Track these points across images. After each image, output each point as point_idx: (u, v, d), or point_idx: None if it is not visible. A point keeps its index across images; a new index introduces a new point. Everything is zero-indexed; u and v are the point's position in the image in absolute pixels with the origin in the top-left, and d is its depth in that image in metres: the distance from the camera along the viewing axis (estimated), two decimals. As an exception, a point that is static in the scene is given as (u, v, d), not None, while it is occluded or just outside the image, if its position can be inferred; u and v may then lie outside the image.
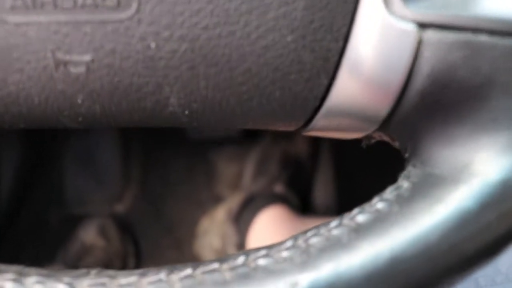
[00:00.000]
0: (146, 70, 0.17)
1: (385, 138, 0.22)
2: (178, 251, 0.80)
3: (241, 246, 0.65)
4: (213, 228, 0.74)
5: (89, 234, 0.71)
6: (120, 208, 0.85)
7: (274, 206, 0.65)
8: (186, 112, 0.19)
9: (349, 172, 0.79)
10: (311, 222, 0.58)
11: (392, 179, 0.20)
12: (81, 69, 0.17)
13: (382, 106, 0.19)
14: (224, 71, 0.18)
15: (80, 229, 0.73)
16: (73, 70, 0.17)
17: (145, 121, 0.20)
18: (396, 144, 0.21)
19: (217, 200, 0.84)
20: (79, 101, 0.18)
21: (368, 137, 0.23)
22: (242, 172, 0.83)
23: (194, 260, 0.79)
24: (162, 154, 0.89)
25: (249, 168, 0.78)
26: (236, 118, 0.20)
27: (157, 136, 0.90)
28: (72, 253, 0.67)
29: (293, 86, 0.19)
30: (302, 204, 0.72)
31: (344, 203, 0.79)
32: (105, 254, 0.68)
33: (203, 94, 0.18)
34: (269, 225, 0.62)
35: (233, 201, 0.72)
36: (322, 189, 0.84)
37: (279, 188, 0.70)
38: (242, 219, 0.68)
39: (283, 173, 0.72)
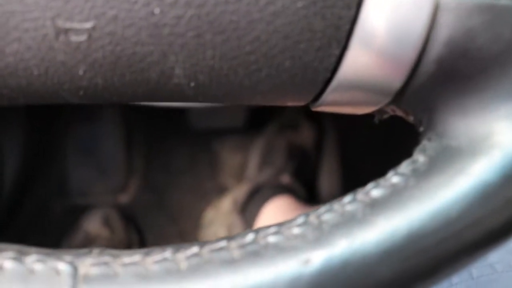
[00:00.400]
0: (150, 38, 0.16)
1: (399, 112, 0.21)
2: (183, 242, 0.80)
3: None
4: (218, 218, 0.73)
5: (93, 225, 0.70)
6: (123, 198, 0.84)
7: (280, 196, 0.64)
8: (192, 84, 0.18)
9: (354, 161, 0.78)
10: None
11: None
12: (82, 38, 0.16)
13: (396, 77, 0.18)
14: (232, 39, 0.17)
15: (84, 219, 0.73)
16: (74, 38, 0.16)
17: (148, 95, 0.19)
18: (410, 118, 0.20)
19: (221, 190, 0.84)
20: (81, 72, 0.17)
21: (380, 111, 0.22)
22: (246, 162, 0.82)
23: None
24: (165, 144, 0.88)
25: (254, 159, 0.78)
26: (244, 92, 0.19)
27: (160, 126, 0.90)
28: (76, 244, 0.67)
29: (303, 56, 0.18)
30: (308, 194, 0.72)
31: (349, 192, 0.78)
32: (110, 245, 0.68)
33: (210, 64, 0.17)
34: (276, 216, 0.61)
35: (238, 192, 0.72)
36: (327, 179, 0.83)
37: (285, 178, 0.69)
38: (248, 210, 0.67)
39: (289, 163, 0.71)
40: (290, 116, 0.80)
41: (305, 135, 0.78)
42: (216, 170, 0.86)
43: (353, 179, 0.77)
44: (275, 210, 0.62)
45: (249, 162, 0.79)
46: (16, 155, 0.71)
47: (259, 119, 0.83)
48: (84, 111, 0.87)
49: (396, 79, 0.18)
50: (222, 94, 0.19)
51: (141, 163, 0.88)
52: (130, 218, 0.79)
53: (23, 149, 0.72)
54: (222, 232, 0.73)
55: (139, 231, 0.78)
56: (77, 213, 0.81)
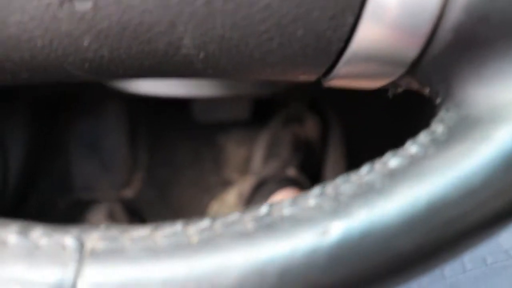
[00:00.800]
0: (157, 6, 0.16)
1: (413, 85, 0.20)
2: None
3: None
4: (224, 212, 0.73)
5: (98, 220, 0.70)
6: (128, 193, 0.84)
7: (286, 189, 0.64)
8: (201, 56, 0.18)
9: (359, 154, 0.78)
10: None
11: None
12: (87, 6, 0.16)
13: (411, 46, 0.18)
14: (242, 6, 0.16)
15: (88, 214, 0.72)
16: (78, 7, 0.16)
17: (156, 69, 0.18)
18: (426, 90, 0.20)
19: (225, 184, 0.83)
20: (86, 43, 0.17)
21: (394, 84, 0.21)
22: (251, 156, 0.81)
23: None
24: (169, 138, 0.88)
25: (259, 152, 0.77)
26: (254, 64, 0.18)
27: (164, 120, 0.89)
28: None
29: (316, 25, 0.17)
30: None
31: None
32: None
33: (220, 33, 0.17)
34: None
35: (244, 185, 0.71)
36: (332, 172, 0.82)
37: (291, 171, 0.68)
38: (254, 203, 0.67)
39: (294, 156, 0.70)
40: (294, 109, 0.80)
41: (310, 128, 0.77)
42: (221, 164, 0.85)
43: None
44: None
45: (254, 155, 0.79)
46: (20, 150, 0.70)
47: (263, 112, 0.83)
48: (87, 106, 0.86)
49: (411, 49, 0.18)
50: (231, 66, 0.18)
51: (145, 158, 0.87)
52: (135, 213, 0.78)
53: (27, 144, 0.71)
54: None
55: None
56: (81, 208, 0.81)
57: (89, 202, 0.81)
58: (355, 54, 0.18)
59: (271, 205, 0.16)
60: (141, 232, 0.15)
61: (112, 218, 0.70)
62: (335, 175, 0.73)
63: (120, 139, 0.85)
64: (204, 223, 0.16)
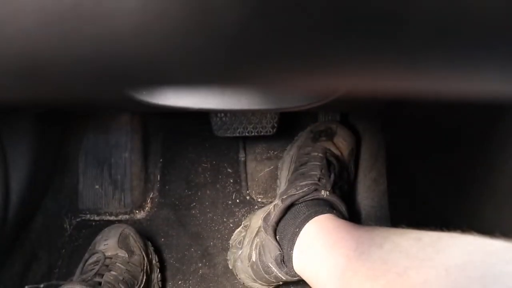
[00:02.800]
0: None
1: None
2: (207, 263, 0.72)
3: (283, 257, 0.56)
4: (246, 238, 0.65)
5: (108, 244, 0.63)
6: (140, 215, 0.77)
7: (322, 216, 0.55)
8: None
9: (396, 166, 0.71)
10: (356, 231, 0.49)
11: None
12: None
13: None
14: None
15: (97, 238, 0.66)
16: None
17: None
18: None
19: (247, 203, 0.76)
20: None
21: None
22: (276, 174, 0.75)
23: (226, 269, 0.71)
24: (185, 156, 0.81)
25: (285, 170, 0.69)
26: None
27: (179, 137, 0.83)
28: (91, 265, 0.60)
29: None
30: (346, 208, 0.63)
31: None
32: (126, 266, 0.60)
33: None
34: (318, 235, 0.53)
35: (268, 208, 0.63)
36: (364, 191, 0.75)
37: (322, 192, 0.59)
38: (280, 229, 0.58)
39: (325, 174, 0.62)
40: (324, 122, 0.73)
41: (341, 142, 0.69)
42: (241, 182, 0.79)
43: (398, 185, 0.70)
44: (315, 229, 0.54)
45: (280, 173, 0.72)
46: (24, 168, 0.64)
47: (290, 125, 0.76)
48: (97, 120, 0.80)
49: None
50: None
51: (158, 177, 0.81)
52: (148, 237, 0.71)
53: (32, 161, 0.65)
54: (251, 253, 0.65)
55: (157, 250, 0.71)
56: (90, 229, 0.74)
57: (98, 224, 0.75)
58: None
59: None
60: None
61: (124, 245, 0.63)
62: (368, 193, 0.66)
63: (132, 156, 0.79)
64: None
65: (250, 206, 0.77)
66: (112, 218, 0.77)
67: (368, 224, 0.73)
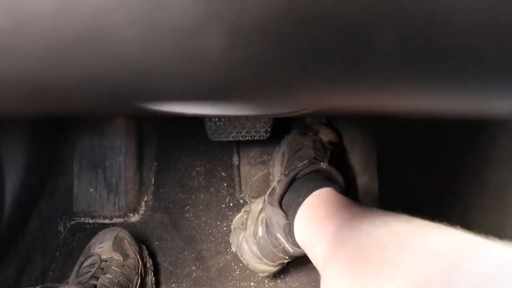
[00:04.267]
0: None
1: None
2: (200, 266, 0.73)
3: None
4: (251, 219, 0.65)
5: (103, 247, 0.64)
6: (134, 218, 0.78)
7: (321, 188, 0.57)
8: None
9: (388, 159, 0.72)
10: (351, 207, 0.51)
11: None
12: None
13: None
14: None
15: (92, 241, 0.66)
16: None
17: None
18: None
19: (240, 206, 0.77)
20: None
21: None
22: (269, 173, 0.76)
23: (220, 272, 0.72)
24: (179, 159, 0.82)
25: (277, 165, 0.71)
26: None
27: (174, 142, 0.84)
28: (87, 267, 0.60)
29: None
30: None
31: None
32: (121, 269, 0.61)
33: None
34: (316, 205, 0.54)
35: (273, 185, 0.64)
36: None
37: (321, 164, 0.62)
38: (289, 202, 0.59)
39: (318, 154, 0.65)
40: (310, 123, 0.77)
41: (326, 135, 0.74)
42: (235, 185, 0.79)
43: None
44: (317, 200, 0.55)
45: (273, 170, 0.73)
46: (18, 170, 0.65)
47: (282, 133, 0.78)
48: (92, 125, 0.81)
49: None
50: None
51: (153, 180, 0.81)
52: (142, 240, 0.72)
53: (26, 164, 0.66)
54: (256, 230, 0.65)
55: (151, 253, 0.71)
56: (85, 232, 0.75)
57: (93, 228, 0.75)
58: None
59: None
60: None
61: (119, 248, 0.64)
62: (361, 197, 0.67)
63: (126, 160, 0.80)
64: None
65: (243, 207, 0.78)
66: (107, 221, 0.77)
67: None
